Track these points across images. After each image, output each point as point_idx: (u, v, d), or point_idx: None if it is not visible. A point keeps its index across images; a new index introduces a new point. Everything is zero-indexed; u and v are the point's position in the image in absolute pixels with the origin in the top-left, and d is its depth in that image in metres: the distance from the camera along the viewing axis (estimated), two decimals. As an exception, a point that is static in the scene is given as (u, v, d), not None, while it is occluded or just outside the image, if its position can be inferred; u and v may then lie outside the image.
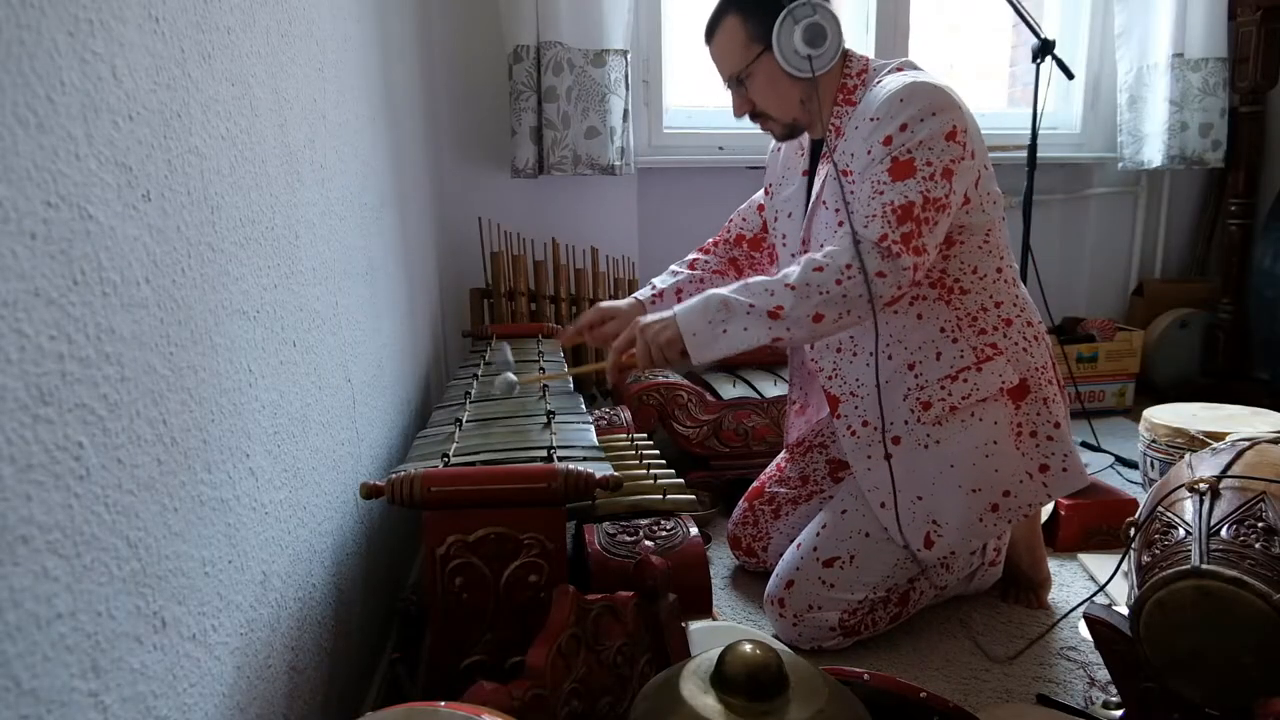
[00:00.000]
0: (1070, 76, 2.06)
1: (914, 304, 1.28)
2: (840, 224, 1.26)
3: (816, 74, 1.26)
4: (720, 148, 2.37)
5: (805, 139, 1.41)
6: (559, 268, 2.08)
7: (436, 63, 2.14)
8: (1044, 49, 2.00)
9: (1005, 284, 1.30)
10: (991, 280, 1.29)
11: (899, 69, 1.28)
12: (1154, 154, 2.57)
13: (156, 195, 0.54)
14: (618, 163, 2.14)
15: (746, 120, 1.39)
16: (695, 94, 2.44)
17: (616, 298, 2.14)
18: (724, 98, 1.39)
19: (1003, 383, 1.27)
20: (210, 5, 0.64)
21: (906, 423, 1.29)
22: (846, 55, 1.31)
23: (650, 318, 1.25)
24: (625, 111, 2.14)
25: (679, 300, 1.52)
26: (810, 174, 1.41)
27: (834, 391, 1.36)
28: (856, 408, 1.34)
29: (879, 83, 1.26)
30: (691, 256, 1.60)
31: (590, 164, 2.10)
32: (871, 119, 1.21)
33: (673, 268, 1.59)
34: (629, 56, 2.13)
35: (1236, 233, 2.64)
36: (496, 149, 2.19)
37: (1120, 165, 2.66)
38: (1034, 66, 2.03)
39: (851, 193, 1.24)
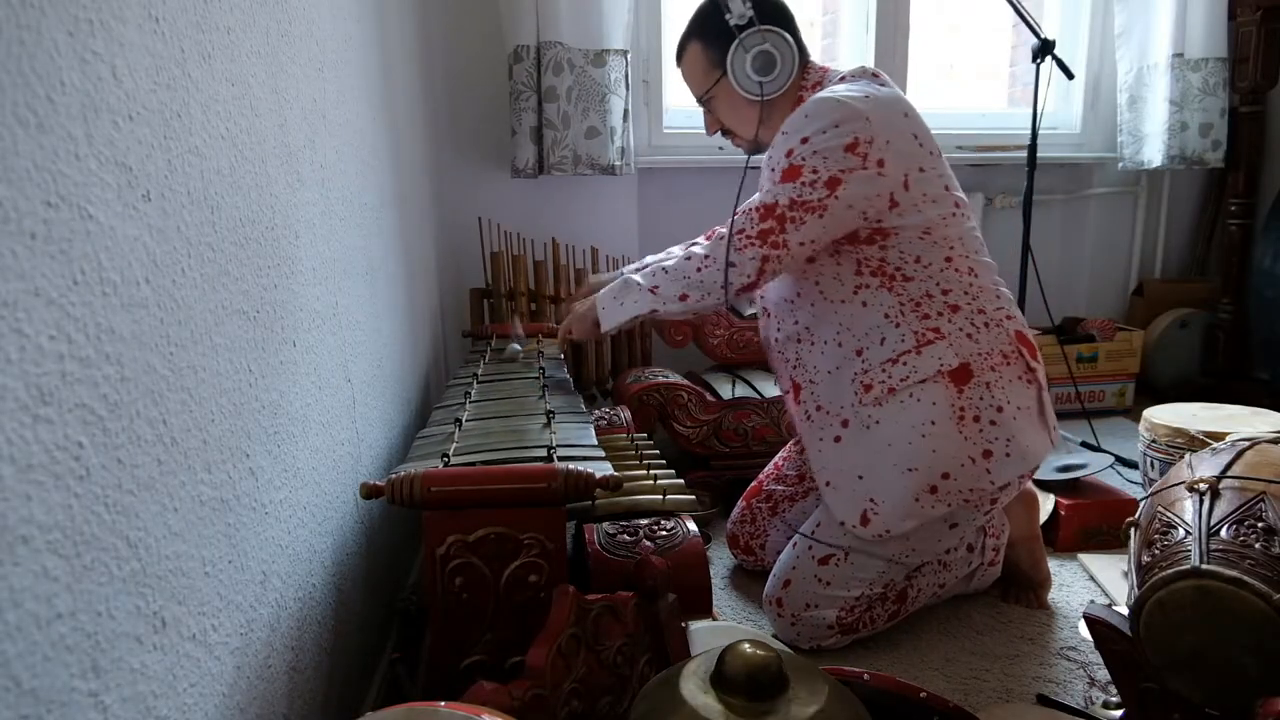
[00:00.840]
0: (1070, 76, 2.06)
1: (859, 292, 1.32)
2: None
3: (767, 97, 1.36)
4: (720, 148, 2.36)
5: None
6: (559, 268, 2.08)
7: (436, 63, 2.14)
8: (1044, 49, 2.00)
9: (956, 273, 1.30)
10: (938, 269, 1.30)
11: (844, 79, 1.33)
12: (1154, 154, 2.57)
13: (156, 195, 0.54)
14: (618, 163, 2.14)
15: None
16: (695, 94, 2.44)
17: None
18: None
19: (941, 365, 1.28)
20: (210, 5, 0.64)
21: (852, 405, 1.32)
22: (806, 68, 1.39)
23: (586, 301, 1.43)
24: (625, 111, 2.14)
25: None
26: None
27: (797, 379, 1.41)
28: (813, 394, 1.38)
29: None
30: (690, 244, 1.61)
31: (590, 164, 2.10)
32: (782, 132, 1.28)
33: (671, 251, 1.62)
34: (629, 56, 2.13)
35: (1236, 233, 2.64)
36: (496, 149, 2.19)
37: (1120, 165, 2.66)
38: (1034, 66, 2.03)
39: None
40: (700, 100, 1.45)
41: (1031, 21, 1.98)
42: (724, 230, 1.33)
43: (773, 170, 1.28)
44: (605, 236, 2.24)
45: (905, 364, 1.29)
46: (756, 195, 1.31)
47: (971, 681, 1.24)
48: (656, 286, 1.32)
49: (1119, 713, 1.07)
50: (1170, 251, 2.89)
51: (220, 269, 0.64)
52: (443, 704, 0.57)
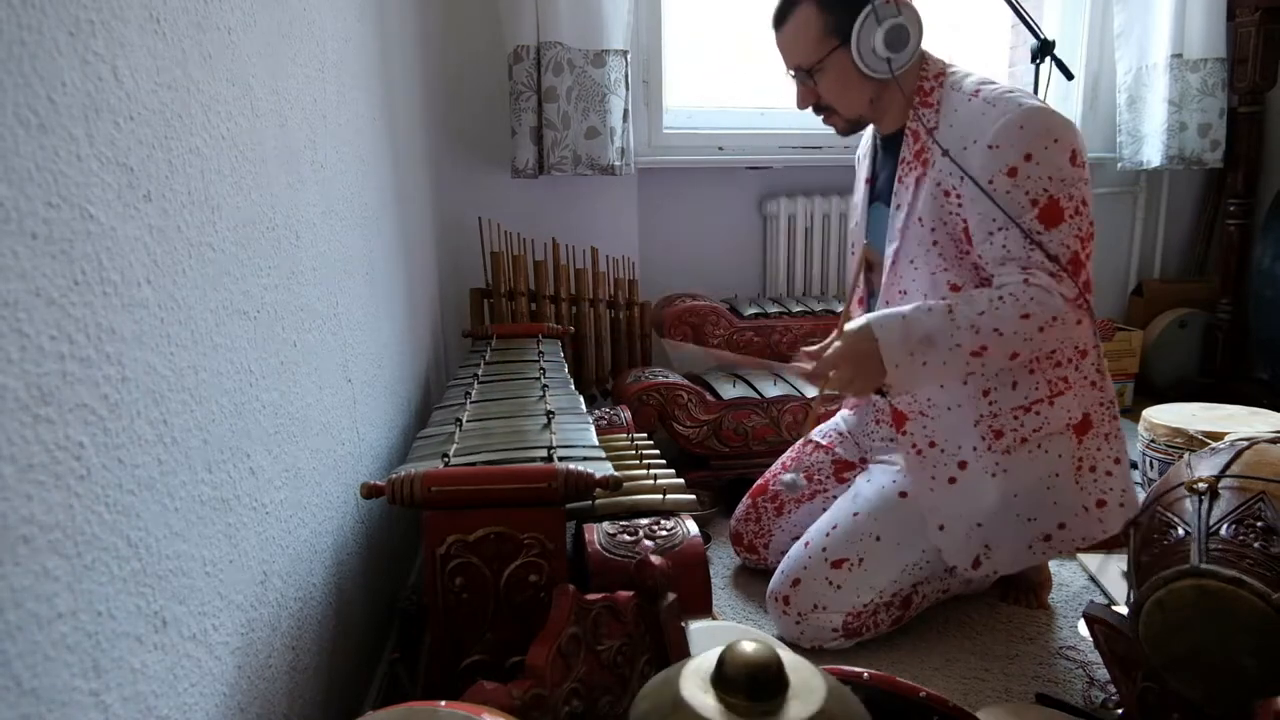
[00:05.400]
0: (1070, 77, 2.05)
1: None
2: (934, 242, 1.25)
3: (895, 74, 1.25)
4: (720, 148, 2.36)
5: (871, 136, 1.43)
6: (559, 268, 2.08)
7: (436, 63, 2.14)
8: (1043, 49, 1.99)
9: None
10: None
11: (977, 84, 1.26)
12: (1153, 154, 2.57)
13: (157, 195, 0.54)
14: (618, 163, 2.14)
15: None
16: (695, 94, 2.44)
17: (616, 298, 2.13)
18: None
19: (1070, 419, 1.27)
20: (210, 5, 0.64)
21: (975, 449, 1.28)
22: (923, 55, 1.30)
23: (852, 330, 1.21)
24: (625, 111, 2.14)
25: None
26: (873, 179, 1.42)
27: (902, 408, 1.35)
28: (925, 427, 1.32)
29: (960, 90, 1.25)
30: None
31: (590, 164, 2.10)
32: (989, 145, 1.17)
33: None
34: (629, 56, 2.13)
35: (1235, 233, 2.64)
36: (496, 149, 2.19)
37: (1119, 165, 2.66)
38: (1033, 67, 2.02)
39: (953, 214, 1.23)
40: (802, 71, 1.29)
41: (1031, 22, 1.97)
42: (1039, 280, 1.15)
43: (997, 195, 1.15)
44: (605, 236, 2.24)
45: (1038, 414, 1.26)
46: (1022, 245, 1.15)
47: (971, 681, 1.24)
48: (985, 348, 1.16)
49: (1119, 713, 1.07)
50: (1169, 251, 2.89)
51: (221, 269, 0.64)
52: (443, 704, 0.57)
